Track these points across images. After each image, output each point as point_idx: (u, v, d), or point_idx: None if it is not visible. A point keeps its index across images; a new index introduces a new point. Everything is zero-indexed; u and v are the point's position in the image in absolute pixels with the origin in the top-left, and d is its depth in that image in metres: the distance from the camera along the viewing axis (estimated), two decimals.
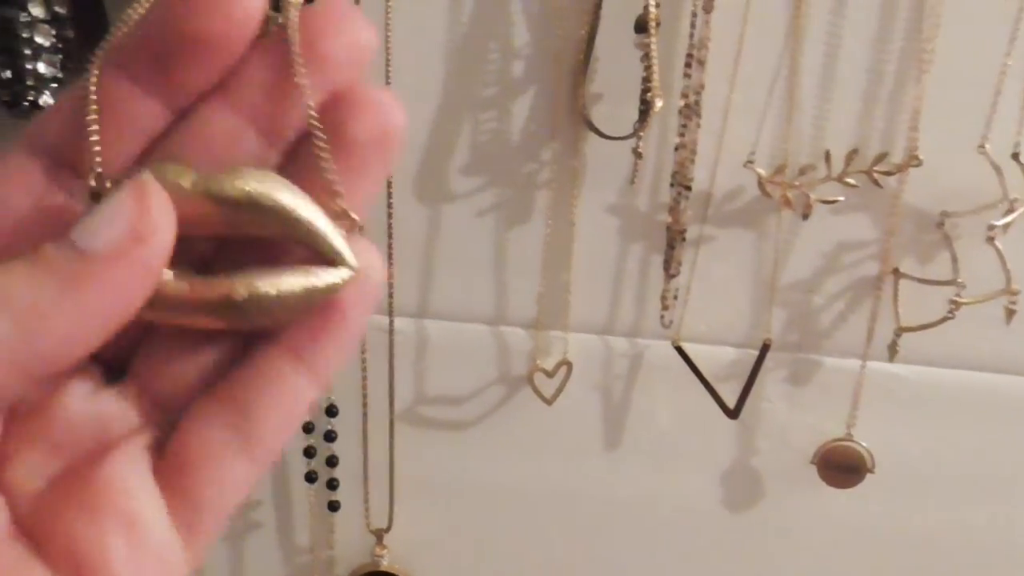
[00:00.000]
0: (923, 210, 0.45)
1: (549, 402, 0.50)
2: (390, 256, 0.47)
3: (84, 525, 0.17)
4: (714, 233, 0.47)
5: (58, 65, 0.44)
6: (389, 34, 0.44)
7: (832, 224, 0.46)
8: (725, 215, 0.47)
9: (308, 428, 0.50)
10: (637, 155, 0.45)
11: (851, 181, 0.44)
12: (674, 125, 0.44)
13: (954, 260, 0.45)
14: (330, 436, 0.50)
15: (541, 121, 0.45)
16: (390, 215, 0.46)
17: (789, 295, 0.48)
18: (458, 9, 0.43)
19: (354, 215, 0.19)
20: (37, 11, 0.43)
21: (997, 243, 0.43)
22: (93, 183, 0.17)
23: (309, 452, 0.51)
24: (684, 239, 0.46)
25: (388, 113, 0.18)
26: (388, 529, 0.53)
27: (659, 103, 0.43)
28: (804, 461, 0.50)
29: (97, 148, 0.17)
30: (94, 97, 0.18)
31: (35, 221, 0.17)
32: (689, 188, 0.45)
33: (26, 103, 0.44)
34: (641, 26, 0.41)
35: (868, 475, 0.49)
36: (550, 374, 0.50)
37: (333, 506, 0.52)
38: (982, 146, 0.42)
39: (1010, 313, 0.44)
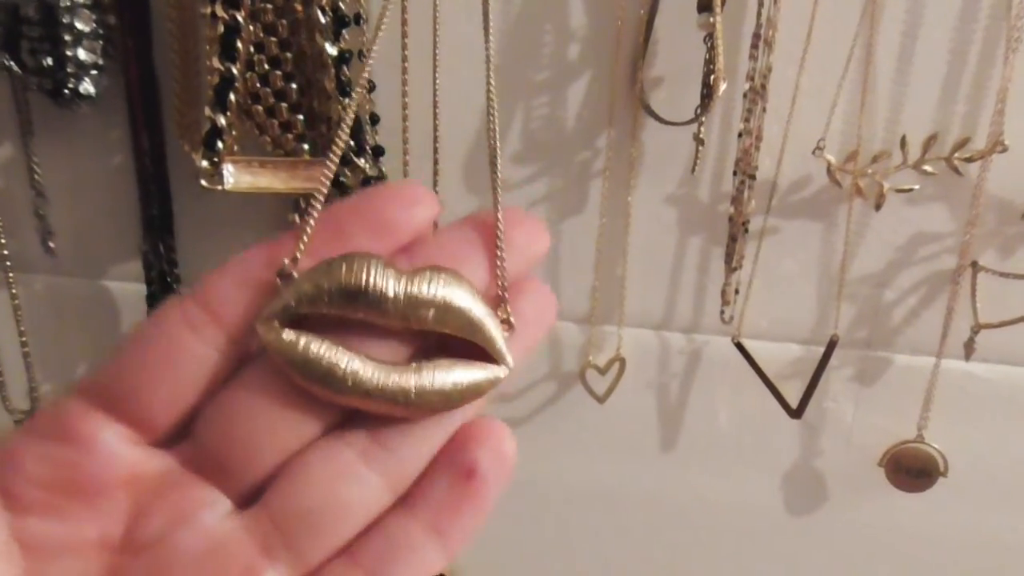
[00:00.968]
0: (1006, 200, 0.42)
1: (601, 400, 0.48)
2: None
3: None
4: (779, 224, 0.44)
5: (99, 51, 0.43)
6: (437, 14, 0.42)
7: (907, 215, 0.43)
8: (791, 205, 0.44)
9: None
10: (698, 142, 0.42)
11: (929, 168, 0.41)
12: (738, 110, 0.42)
13: None
14: None
15: (597, 107, 0.43)
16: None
17: (858, 289, 0.45)
18: None
19: (513, 321, 0.21)
20: None
21: None
22: (287, 262, 0.20)
23: None
24: (747, 230, 0.43)
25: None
26: None
27: (723, 86, 0.40)
28: (871, 464, 0.47)
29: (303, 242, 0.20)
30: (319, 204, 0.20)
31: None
32: (753, 177, 0.42)
33: (67, 90, 0.43)
34: (705, 5, 0.39)
35: (940, 479, 0.47)
36: (603, 371, 0.48)
37: None
38: None
39: None
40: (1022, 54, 0.39)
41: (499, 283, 0.21)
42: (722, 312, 0.45)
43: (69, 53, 0.43)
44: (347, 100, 0.42)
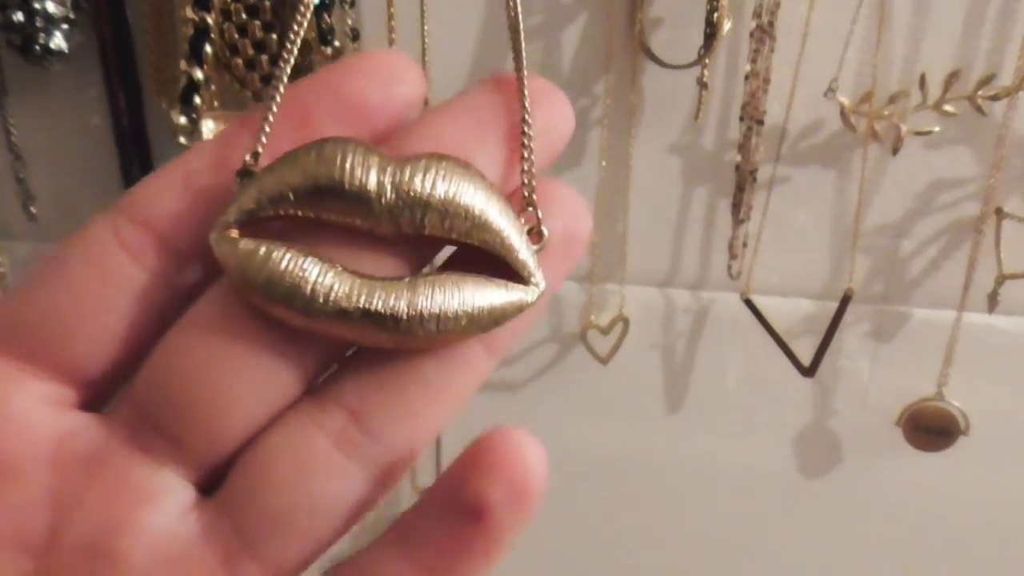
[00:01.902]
0: None
1: (604, 361, 0.46)
2: None
3: None
4: (789, 173, 0.42)
5: (68, 4, 0.41)
6: None
7: (926, 159, 0.41)
8: (802, 152, 0.41)
9: None
10: (702, 86, 0.40)
11: (950, 109, 0.39)
12: (744, 51, 0.39)
13: None
14: None
15: (594, 51, 0.41)
16: None
17: (874, 240, 0.43)
18: None
19: (545, 229, 0.16)
20: None
21: None
22: (248, 159, 0.16)
23: None
24: (755, 180, 0.41)
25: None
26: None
27: (727, 25, 0.38)
28: (888, 423, 0.45)
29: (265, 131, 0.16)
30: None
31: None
32: (761, 122, 0.40)
33: (38, 46, 0.41)
34: None
35: (961, 438, 0.44)
36: (605, 331, 0.46)
37: None
38: None
39: None
40: None
41: (525, 179, 0.16)
42: (729, 267, 0.43)
43: (37, 6, 0.41)
44: (327, 49, 0.40)
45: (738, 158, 0.41)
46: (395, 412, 0.16)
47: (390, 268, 0.16)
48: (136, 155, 0.44)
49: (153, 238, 0.16)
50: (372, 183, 0.15)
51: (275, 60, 0.42)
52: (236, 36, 0.41)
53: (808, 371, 0.44)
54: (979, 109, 0.38)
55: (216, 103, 0.42)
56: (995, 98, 0.38)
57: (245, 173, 0.16)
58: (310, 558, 0.16)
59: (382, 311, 0.15)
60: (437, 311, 0.15)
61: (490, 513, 0.15)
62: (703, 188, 0.43)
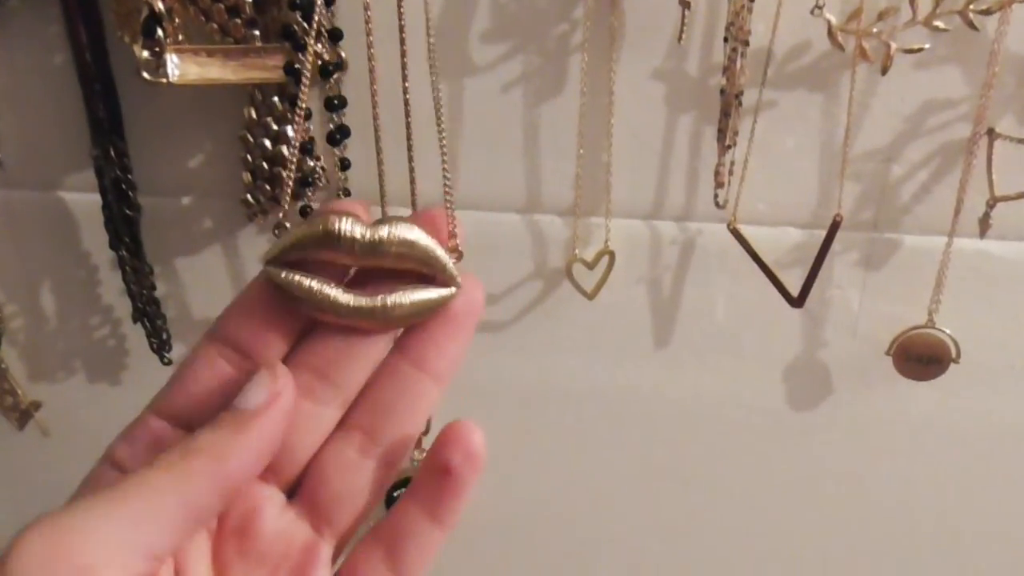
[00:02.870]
0: None
1: (590, 296, 0.45)
2: (409, 145, 0.42)
3: None
4: (776, 97, 0.41)
5: None
6: None
7: (916, 79, 0.39)
8: (789, 74, 0.40)
9: None
10: (684, 6, 0.38)
11: (940, 24, 0.37)
12: None
13: None
14: None
15: None
16: (406, 94, 0.41)
17: (863, 166, 0.42)
18: None
19: (461, 249, 0.28)
20: None
21: None
22: (281, 216, 0.28)
23: None
24: (741, 104, 0.40)
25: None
26: (426, 432, 0.49)
27: None
28: (878, 353, 0.45)
29: (286, 206, 0.29)
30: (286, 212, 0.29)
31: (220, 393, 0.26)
32: (746, 44, 0.38)
33: None
34: None
35: (952, 365, 0.44)
36: (590, 265, 0.45)
37: None
38: None
39: None
40: None
41: (449, 227, 0.28)
42: (716, 196, 0.42)
43: None
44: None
45: (723, 82, 0.39)
46: (389, 426, 0.27)
47: (373, 294, 0.27)
48: (101, 94, 0.42)
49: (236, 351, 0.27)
50: (357, 235, 0.26)
51: None
52: None
53: (796, 301, 0.44)
54: (971, 24, 0.37)
55: (181, 37, 0.40)
56: (987, 12, 0.37)
57: (279, 227, 0.28)
58: (357, 524, 0.28)
59: (367, 308, 0.27)
60: (395, 305, 0.27)
61: (454, 470, 0.26)
62: (688, 115, 0.42)
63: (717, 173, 0.41)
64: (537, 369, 0.48)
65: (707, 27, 0.40)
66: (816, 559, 0.52)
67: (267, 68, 0.41)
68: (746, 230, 0.43)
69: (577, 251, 0.45)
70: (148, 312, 0.47)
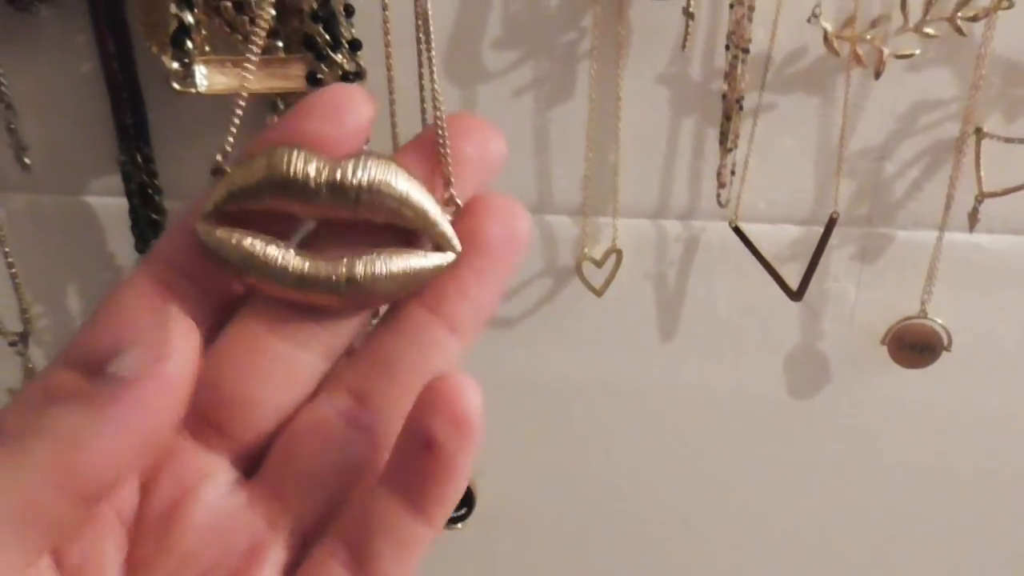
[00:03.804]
0: (1013, 60, 0.40)
1: (599, 293, 0.47)
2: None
3: None
4: (775, 100, 0.43)
5: None
6: None
7: (908, 82, 0.42)
8: (787, 79, 0.42)
9: None
10: (688, 15, 0.40)
11: (930, 31, 0.39)
12: None
13: None
14: None
15: None
16: (423, 102, 0.43)
17: (858, 164, 0.44)
18: None
19: (459, 201, 0.21)
20: None
21: None
22: (219, 159, 0.21)
23: None
24: (741, 108, 0.42)
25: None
26: None
27: None
28: (874, 342, 0.47)
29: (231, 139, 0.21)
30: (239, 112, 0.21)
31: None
32: (747, 50, 0.41)
33: None
34: None
35: (944, 354, 0.46)
36: (599, 263, 0.47)
37: None
38: None
39: None
40: None
41: (444, 167, 0.20)
42: (718, 195, 0.44)
43: None
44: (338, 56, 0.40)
45: (724, 87, 0.41)
46: (388, 388, 0.20)
47: (345, 251, 0.20)
48: (128, 101, 0.44)
49: (184, 277, 0.21)
50: (312, 175, 0.19)
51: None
52: None
53: (796, 295, 0.46)
54: (959, 30, 0.39)
55: (208, 48, 0.42)
56: (974, 19, 0.39)
57: (217, 171, 0.20)
58: (330, 512, 0.20)
59: (326, 278, 0.20)
60: (369, 275, 0.20)
61: (437, 444, 0.18)
62: (691, 118, 0.44)
63: (719, 174, 0.43)
64: (548, 363, 0.50)
65: (709, 35, 0.42)
66: (817, 540, 0.54)
67: (289, 78, 0.43)
68: (747, 227, 0.45)
69: (586, 249, 0.47)
70: None
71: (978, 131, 0.42)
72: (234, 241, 0.20)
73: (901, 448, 0.51)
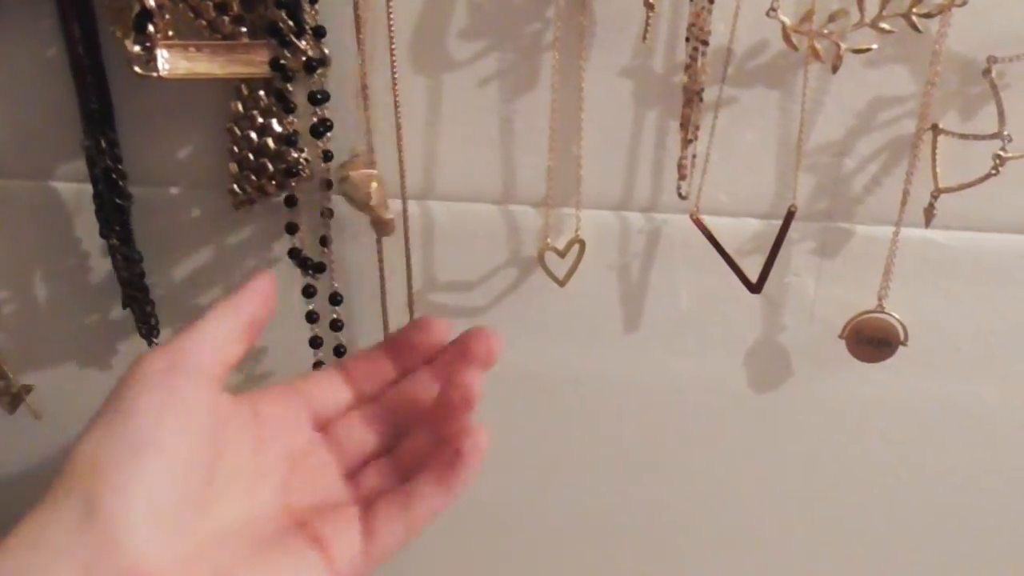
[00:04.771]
0: (968, 57, 0.41)
1: (562, 283, 0.48)
2: (399, 138, 0.44)
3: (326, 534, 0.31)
4: (735, 94, 0.43)
5: None
6: None
7: (865, 77, 0.42)
8: (747, 73, 0.43)
9: (312, 318, 0.48)
10: (649, 7, 0.41)
11: (886, 26, 0.40)
12: None
13: (1000, 112, 0.41)
14: (336, 325, 0.49)
15: None
16: (396, 89, 0.43)
17: (817, 159, 0.44)
18: None
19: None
20: None
21: None
22: None
23: (315, 342, 0.49)
24: (702, 100, 0.42)
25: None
26: None
27: None
28: (833, 336, 0.47)
29: None
30: None
31: None
32: (706, 43, 0.41)
33: None
34: None
35: (900, 348, 0.47)
36: (562, 254, 0.47)
37: None
38: None
39: None
40: None
41: None
42: (679, 187, 0.44)
43: None
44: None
45: (685, 79, 0.42)
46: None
47: None
48: (93, 86, 0.44)
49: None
50: None
51: None
52: None
53: (755, 287, 0.46)
54: (914, 26, 0.40)
55: (171, 32, 0.42)
56: (928, 16, 0.39)
57: None
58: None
59: None
60: None
61: (463, 455, 0.32)
62: (653, 111, 0.44)
63: (680, 166, 0.44)
64: (511, 353, 0.50)
65: (670, 27, 0.42)
66: (777, 529, 0.55)
67: (253, 63, 0.43)
68: (708, 220, 0.46)
69: (549, 240, 0.47)
70: (137, 298, 0.49)
71: (934, 127, 0.42)
72: None
73: (859, 441, 0.51)
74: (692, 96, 0.42)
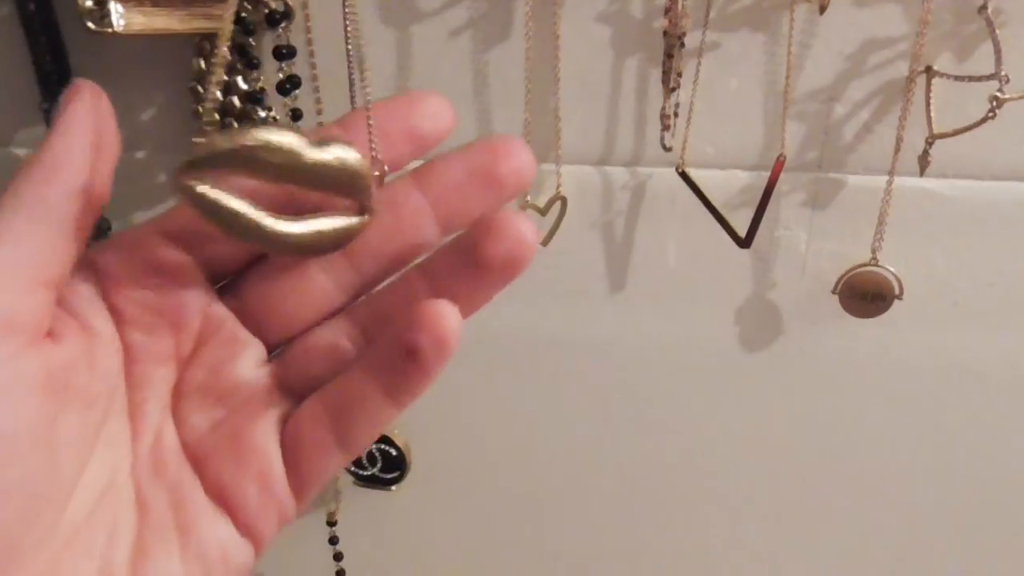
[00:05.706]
0: None
1: (544, 243, 0.46)
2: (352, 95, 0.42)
3: (232, 469, 0.26)
4: (718, 39, 0.41)
5: None
6: None
7: (855, 18, 0.40)
8: (731, 16, 0.41)
9: None
10: None
11: None
12: None
13: (997, 51, 0.39)
14: None
15: None
16: (348, 41, 0.41)
17: (807, 106, 0.42)
18: None
19: (387, 167, 0.25)
20: None
21: None
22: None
23: None
24: (683, 46, 0.40)
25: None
26: None
27: None
28: (825, 291, 0.46)
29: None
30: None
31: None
32: None
33: None
34: None
35: (895, 302, 0.45)
36: (543, 211, 0.45)
37: None
38: None
39: None
40: None
41: (372, 152, 0.25)
42: (662, 139, 0.43)
43: None
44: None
45: (665, 23, 0.40)
46: (381, 328, 0.26)
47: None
48: (47, 45, 0.42)
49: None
50: (288, 147, 0.23)
51: None
52: None
53: (744, 242, 0.44)
54: None
55: None
56: None
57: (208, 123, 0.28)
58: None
59: (284, 234, 0.24)
60: (308, 232, 0.25)
61: (420, 353, 0.24)
62: (633, 58, 0.42)
63: (663, 115, 0.42)
64: (492, 315, 0.49)
65: None
66: (769, 491, 0.54)
67: (213, 17, 0.41)
68: (695, 173, 0.44)
69: (529, 197, 0.45)
70: None
71: (928, 69, 0.40)
72: (212, 197, 0.24)
73: (854, 398, 0.50)
74: (674, 42, 0.40)
